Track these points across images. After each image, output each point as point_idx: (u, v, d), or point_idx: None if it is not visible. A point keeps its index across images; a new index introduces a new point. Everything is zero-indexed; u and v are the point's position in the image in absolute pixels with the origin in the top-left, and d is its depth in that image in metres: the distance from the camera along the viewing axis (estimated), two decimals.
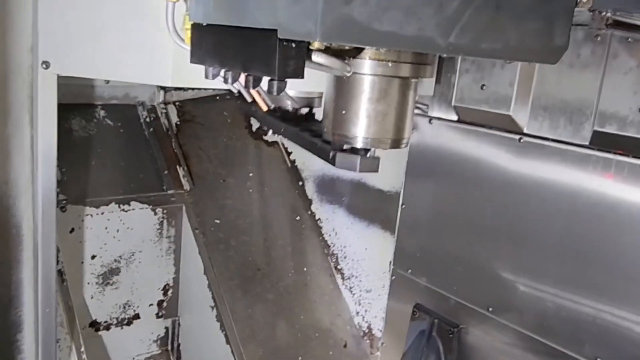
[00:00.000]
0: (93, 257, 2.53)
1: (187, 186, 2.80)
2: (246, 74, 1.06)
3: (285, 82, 1.03)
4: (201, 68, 1.40)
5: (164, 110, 2.95)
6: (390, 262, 2.58)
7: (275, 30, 0.97)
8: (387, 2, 0.95)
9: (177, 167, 2.83)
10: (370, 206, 2.70)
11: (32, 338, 1.72)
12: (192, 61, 1.21)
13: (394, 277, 2.57)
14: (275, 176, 3.05)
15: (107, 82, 2.72)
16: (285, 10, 0.94)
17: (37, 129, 1.56)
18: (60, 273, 2.16)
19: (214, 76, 1.20)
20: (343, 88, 1.28)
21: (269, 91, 1.03)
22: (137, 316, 2.73)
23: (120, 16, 1.46)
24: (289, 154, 3.11)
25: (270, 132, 3.11)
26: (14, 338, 1.69)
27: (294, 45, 0.99)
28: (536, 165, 2.03)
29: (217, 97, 3.16)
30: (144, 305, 2.74)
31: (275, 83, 1.02)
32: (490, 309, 2.21)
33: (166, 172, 2.77)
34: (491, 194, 2.18)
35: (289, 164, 3.09)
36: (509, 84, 2.02)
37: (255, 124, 3.16)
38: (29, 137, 1.58)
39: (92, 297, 2.57)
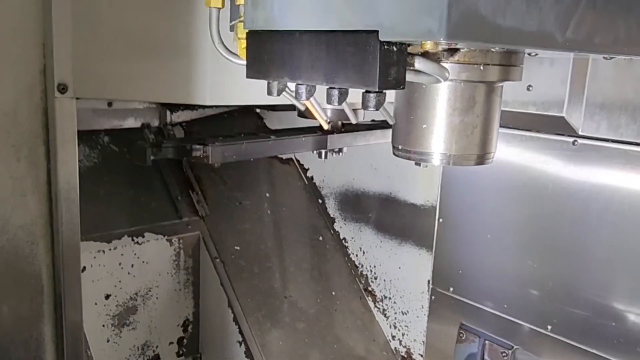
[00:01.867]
0: (107, 296, 2.31)
1: (202, 212, 2.59)
2: (329, 86, 0.88)
3: (385, 95, 0.85)
4: (241, 82, 1.22)
5: (171, 132, 2.74)
6: (428, 281, 2.40)
7: (375, 32, 0.79)
8: None
9: (190, 192, 2.63)
10: (401, 222, 2.51)
11: None
12: (249, 76, 1.03)
13: (433, 297, 2.39)
14: (293, 195, 2.86)
15: (110, 105, 2.52)
16: (392, 7, 0.76)
17: (55, 163, 1.36)
18: None
19: (280, 92, 1.01)
20: (420, 98, 1.11)
21: (364, 106, 0.85)
22: (156, 357, 2.50)
23: (149, 28, 1.27)
24: (305, 170, 2.92)
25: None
26: None
27: (395, 49, 0.81)
28: (594, 169, 1.87)
29: (225, 115, 2.96)
30: (163, 344, 2.52)
31: (372, 96, 0.84)
32: (550, 327, 2.03)
33: (179, 197, 2.56)
34: (543, 203, 2.01)
35: (306, 182, 2.90)
36: (561, 83, 1.86)
37: None
38: (45, 173, 1.37)
39: (107, 341, 2.34)
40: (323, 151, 1.65)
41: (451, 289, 2.32)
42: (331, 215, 2.82)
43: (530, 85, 1.93)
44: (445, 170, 2.29)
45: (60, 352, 1.46)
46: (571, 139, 1.91)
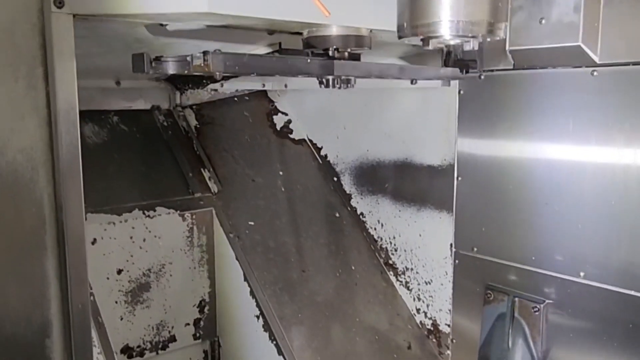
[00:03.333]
0: (119, 271, 2.24)
1: (214, 188, 2.54)
2: None
3: None
4: None
5: (181, 113, 2.72)
6: (451, 245, 2.30)
7: None
8: None
9: (202, 169, 2.59)
10: (419, 187, 2.43)
11: (61, 346, 1.43)
12: None
13: (457, 261, 2.28)
14: (307, 174, 2.80)
15: (118, 84, 2.51)
16: None
17: (54, 84, 1.32)
18: None
19: None
20: None
21: None
22: (172, 338, 2.42)
23: None
24: (319, 150, 2.86)
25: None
26: (42, 344, 1.40)
27: None
28: (616, 99, 1.79)
29: (236, 99, 2.94)
30: (179, 325, 2.44)
31: None
32: (582, 274, 1.92)
33: (191, 174, 2.51)
34: (564, 142, 1.92)
35: (320, 161, 2.84)
36: (574, 10, 1.79)
37: (279, 123, 2.93)
38: (44, 95, 1.34)
39: (121, 319, 2.27)
40: (330, 79, 1.59)
41: (475, 249, 2.22)
42: (347, 192, 2.74)
43: (542, 18, 1.87)
44: (462, 125, 2.21)
45: (65, 288, 1.39)
46: (590, 69, 1.84)
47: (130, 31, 1.56)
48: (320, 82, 1.62)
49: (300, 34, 1.63)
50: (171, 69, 1.32)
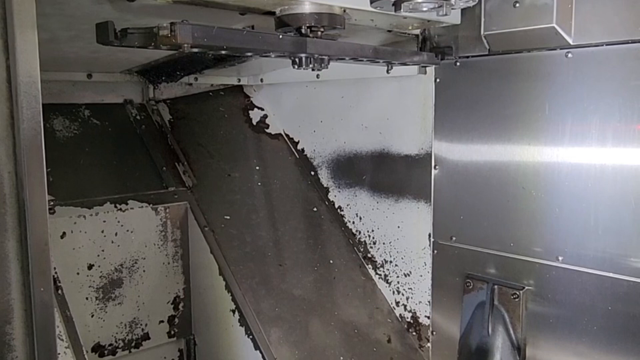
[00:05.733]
0: (90, 266, 2.17)
1: (189, 183, 2.49)
2: None
3: None
4: None
5: (155, 108, 2.68)
6: (429, 235, 2.27)
7: None
8: None
9: (177, 164, 2.53)
10: (397, 177, 2.40)
11: (23, 332, 1.37)
12: None
13: (436, 251, 2.26)
14: (284, 169, 2.76)
15: (90, 77, 2.45)
16: None
17: (14, 56, 1.27)
18: (53, 280, 1.81)
19: None
20: None
21: None
22: (146, 336, 2.35)
23: None
24: (295, 144, 2.83)
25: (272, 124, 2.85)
26: (3, 330, 1.33)
27: None
28: (590, 78, 1.79)
29: (211, 94, 2.91)
30: (153, 322, 2.37)
31: None
32: (561, 259, 1.90)
33: (164, 168, 2.46)
34: (540, 126, 1.92)
35: (297, 155, 2.81)
36: None
37: (255, 117, 2.89)
38: (5, 69, 1.28)
39: (92, 316, 2.20)
40: (303, 58, 1.56)
41: (453, 238, 2.19)
42: (324, 186, 2.71)
43: (516, 2, 1.86)
44: (438, 113, 2.20)
45: (26, 271, 1.33)
46: (564, 51, 1.83)
47: (95, 8, 1.51)
48: (293, 63, 1.59)
49: (273, 13, 1.61)
50: (137, 40, 1.28)
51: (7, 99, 1.30)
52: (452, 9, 1.13)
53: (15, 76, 1.27)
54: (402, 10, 1.09)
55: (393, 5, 1.07)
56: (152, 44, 1.28)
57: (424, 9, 1.20)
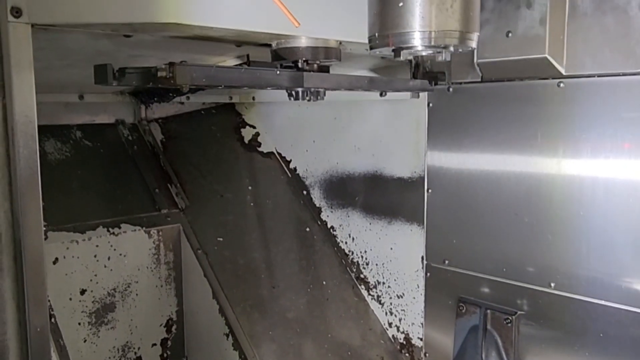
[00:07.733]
0: (83, 291, 2.16)
1: (182, 204, 2.48)
2: None
3: None
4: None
5: (147, 128, 2.67)
6: (422, 258, 2.29)
7: None
8: None
9: (169, 185, 2.53)
10: (390, 199, 2.42)
11: None
12: None
13: (429, 274, 2.27)
14: (276, 188, 2.76)
15: (82, 98, 2.44)
16: None
17: (11, 97, 1.26)
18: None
19: None
20: None
21: None
22: None
23: None
24: (287, 162, 2.83)
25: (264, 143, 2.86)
26: None
27: None
28: (582, 108, 1.81)
29: (203, 112, 2.90)
30: (145, 345, 2.36)
31: None
32: (553, 285, 1.92)
33: (157, 190, 2.45)
34: (533, 153, 1.94)
35: (289, 175, 2.81)
36: (540, 23, 1.82)
37: (247, 136, 2.89)
38: (1, 108, 1.27)
39: (85, 341, 2.18)
40: (300, 91, 1.57)
41: (446, 261, 2.21)
42: (317, 205, 2.71)
43: (509, 31, 1.88)
44: (431, 137, 2.21)
45: (22, 310, 1.32)
46: (556, 81, 1.86)
47: (92, 43, 1.51)
48: (290, 95, 1.59)
49: (269, 45, 1.61)
50: (135, 80, 1.28)
51: (3, 139, 1.29)
52: (451, 52, 1.14)
53: (11, 117, 1.27)
54: (401, 57, 1.11)
55: (393, 52, 1.09)
56: (151, 83, 1.28)
57: (423, 54, 1.21)
